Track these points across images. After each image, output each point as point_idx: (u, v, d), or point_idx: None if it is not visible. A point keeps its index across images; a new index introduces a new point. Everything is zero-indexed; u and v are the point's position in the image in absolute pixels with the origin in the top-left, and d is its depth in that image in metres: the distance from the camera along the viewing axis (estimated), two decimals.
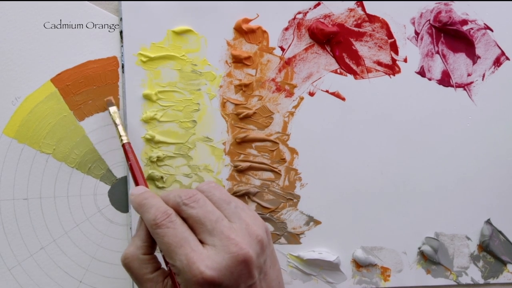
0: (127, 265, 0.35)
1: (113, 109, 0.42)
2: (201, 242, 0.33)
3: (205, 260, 0.31)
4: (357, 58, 0.46)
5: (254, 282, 0.33)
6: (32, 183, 0.43)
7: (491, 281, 0.49)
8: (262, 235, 0.34)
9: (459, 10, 0.46)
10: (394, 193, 0.47)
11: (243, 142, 0.45)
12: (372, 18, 0.45)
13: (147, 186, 0.39)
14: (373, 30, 0.45)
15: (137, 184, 0.39)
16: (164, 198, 0.35)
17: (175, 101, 0.44)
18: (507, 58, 0.47)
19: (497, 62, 0.47)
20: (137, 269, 0.35)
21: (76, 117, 0.44)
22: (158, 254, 0.36)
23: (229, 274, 0.31)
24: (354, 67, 0.46)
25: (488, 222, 0.48)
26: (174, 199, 0.35)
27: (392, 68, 0.46)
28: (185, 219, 0.34)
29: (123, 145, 0.41)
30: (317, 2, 0.45)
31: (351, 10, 0.45)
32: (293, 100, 0.45)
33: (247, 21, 0.44)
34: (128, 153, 0.40)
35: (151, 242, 0.35)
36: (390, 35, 0.46)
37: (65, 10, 0.43)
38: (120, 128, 0.42)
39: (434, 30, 0.46)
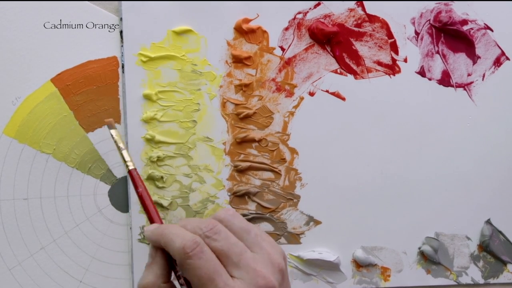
0: None
1: (114, 132, 0.40)
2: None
3: None
4: (357, 58, 0.46)
5: None
6: (32, 183, 0.43)
7: (491, 281, 0.49)
8: (282, 263, 0.34)
9: (459, 10, 0.46)
10: (394, 193, 0.47)
11: (243, 142, 0.45)
12: (372, 18, 0.45)
13: (160, 219, 0.37)
14: (373, 30, 0.45)
15: (149, 216, 0.37)
16: (183, 228, 0.34)
17: (175, 101, 0.44)
18: (507, 58, 0.47)
19: (497, 62, 0.47)
20: None
21: (76, 117, 0.44)
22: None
23: None
24: (354, 67, 0.46)
25: (488, 222, 0.48)
26: (194, 230, 0.34)
27: (392, 68, 0.46)
28: None
29: (130, 172, 0.38)
30: (317, 2, 0.45)
31: (351, 10, 0.45)
32: (293, 100, 0.45)
33: (247, 21, 0.44)
34: (137, 181, 0.38)
35: (169, 270, 0.35)
36: (390, 35, 0.46)
37: (65, 10, 0.43)
38: (125, 152, 0.39)
39: (434, 30, 0.46)
